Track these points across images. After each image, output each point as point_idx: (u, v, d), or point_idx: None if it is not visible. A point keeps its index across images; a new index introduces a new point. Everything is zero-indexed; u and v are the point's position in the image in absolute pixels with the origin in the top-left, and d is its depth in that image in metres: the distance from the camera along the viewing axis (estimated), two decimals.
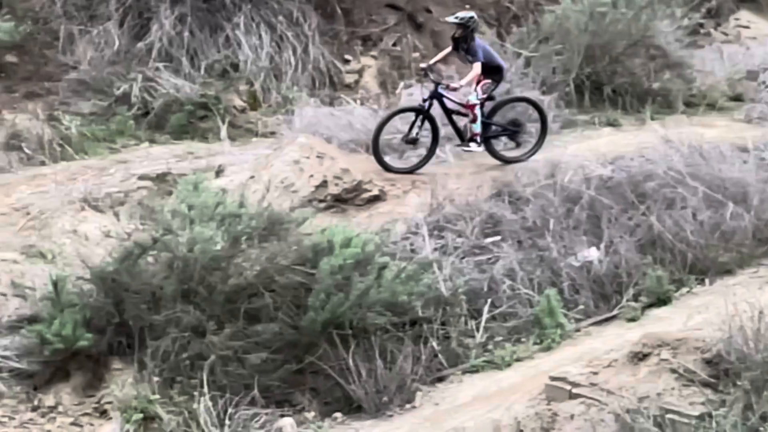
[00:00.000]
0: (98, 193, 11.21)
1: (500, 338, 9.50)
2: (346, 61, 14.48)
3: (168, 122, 13.28)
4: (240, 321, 8.88)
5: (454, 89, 11.27)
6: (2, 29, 13.66)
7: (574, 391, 7.97)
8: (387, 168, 11.27)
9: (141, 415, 8.27)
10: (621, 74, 13.97)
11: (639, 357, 7.99)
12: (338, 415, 8.74)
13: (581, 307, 9.92)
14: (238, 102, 13.69)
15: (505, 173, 11.27)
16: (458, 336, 9.41)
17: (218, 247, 9.10)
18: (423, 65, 11.62)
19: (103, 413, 8.48)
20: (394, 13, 14.96)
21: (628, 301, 9.95)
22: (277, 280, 9.11)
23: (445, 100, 11.33)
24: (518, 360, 9.27)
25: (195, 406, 8.28)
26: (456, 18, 11.38)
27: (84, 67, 13.76)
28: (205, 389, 8.39)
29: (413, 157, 11.58)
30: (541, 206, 10.52)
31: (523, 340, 9.50)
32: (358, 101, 13.53)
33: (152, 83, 13.51)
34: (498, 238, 10.29)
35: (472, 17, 11.40)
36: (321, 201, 10.74)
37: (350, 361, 8.78)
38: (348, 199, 10.88)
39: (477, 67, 11.19)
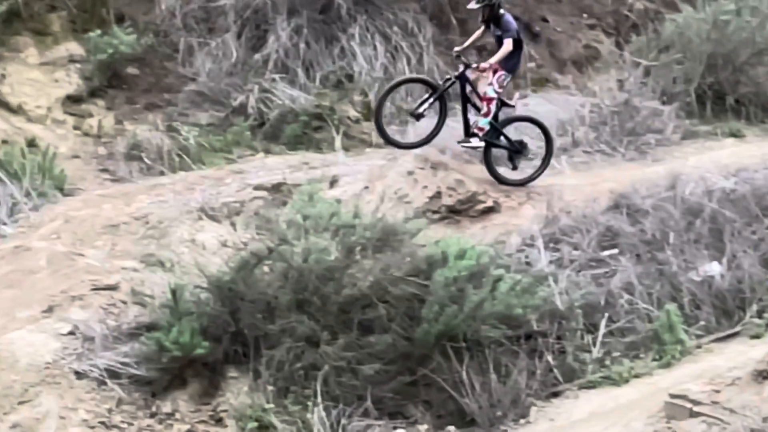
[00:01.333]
0: (215, 203, 11.35)
1: (618, 354, 9.29)
2: None
3: (283, 133, 13.40)
4: (353, 332, 8.88)
5: (483, 69, 10.74)
6: (125, 42, 14.00)
7: (695, 409, 7.74)
8: (390, 142, 11.08)
9: (256, 424, 8.33)
10: (745, 84, 13.58)
11: (764, 375, 7.73)
12: (451, 428, 8.66)
13: (702, 323, 9.64)
14: (353, 112, 13.73)
15: (622, 185, 11.04)
16: (574, 351, 9.24)
17: (332, 258, 9.14)
18: (456, 49, 11.13)
19: (219, 421, 8.57)
20: None
21: (751, 317, 9.63)
22: (391, 291, 9.09)
23: (466, 86, 10.85)
24: (636, 376, 9.05)
25: (309, 416, 8.31)
26: (478, 2, 10.74)
27: (202, 78, 14.00)
28: (319, 399, 8.42)
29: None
30: (661, 219, 10.27)
31: (641, 356, 9.27)
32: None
33: (268, 94, 13.66)
34: (615, 251, 10.08)
35: None
36: (435, 212, 10.68)
37: (464, 374, 8.70)
38: (462, 210, 10.80)
39: (508, 44, 10.66)
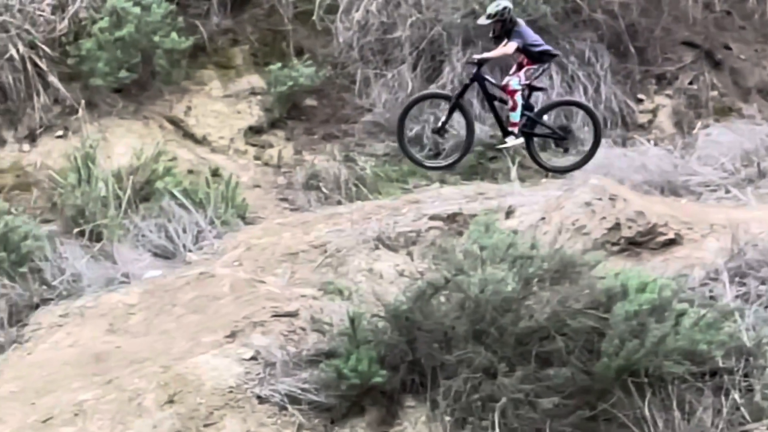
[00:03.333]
0: (391, 233, 11.46)
1: None
2: (639, 101, 14.19)
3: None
4: (531, 364, 8.78)
5: (481, 62, 10.27)
6: (304, 74, 14.36)
7: None
8: (415, 161, 10.70)
9: None
10: None
11: None
12: None
13: None
14: None
15: None
16: (762, 389, 8.88)
17: (510, 289, 9.07)
18: (476, 56, 10.64)
19: None
20: (690, 51, 14.54)
21: None
22: (569, 324, 8.96)
23: (486, 84, 10.41)
24: None
25: None
26: (489, 17, 10.18)
27: (378, 109, 14.23)
28: (497, 431, 8.34)
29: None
30: None
31: None
32: (652, 142, 13.20)
33: None
34: None
35: (505, 7, 10.16)
36: (614, 244, 10.51)
37: (646, 410, 8.49)
38: (642, 242, 10.58)
39: (509, 47, 10.12)
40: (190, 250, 12.06)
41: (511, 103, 10.36)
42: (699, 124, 12.54)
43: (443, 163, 10.61)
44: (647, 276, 9.13)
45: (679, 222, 10.77)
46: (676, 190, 11.08)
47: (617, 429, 8.62)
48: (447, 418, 8.57)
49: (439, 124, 10.48)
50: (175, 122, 14.48)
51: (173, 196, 12.63)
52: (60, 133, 14.07)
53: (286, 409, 8.88)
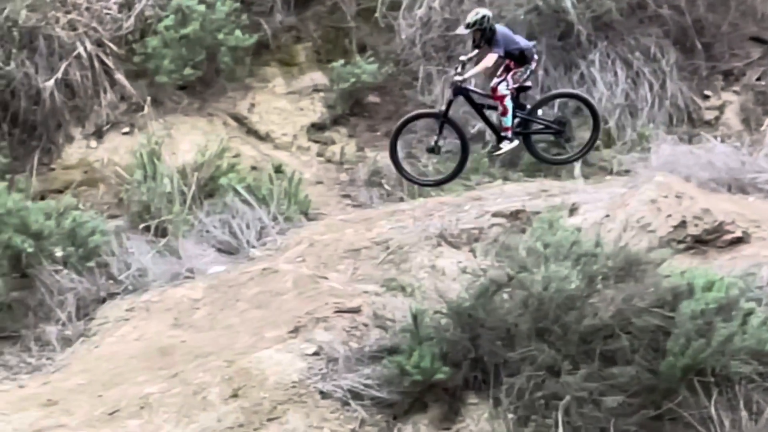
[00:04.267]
0: (454, 229, 11.44)
1: None
2: (706, 97, 13.99)
3: (521, 160, 13.38)
4: (595, 362, 8.73)
5: (460, 83, 9.87)
6: (366, 71, 14.38)
7: None
8: (409, 178, 10.49)
9: None
10: None
11: None
12: None
13: None
14: None
15: None
16: None
17: (573, 287, 9.03)
18: (462, 57, 10.17)
19: None
20: (758, 47, 14.30)
21: None
22: (634, 322, 8.89)
23: (471, 94, 10.07)
24: None
25: None
26: (468, 26, 9.86)
27: (441, 106, 14.16)
28: (561, 430, 8.30)
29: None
30: None
31: None
32: (719, 138, 13.01)
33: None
34: None
35: (484, 16, 9.83)
36: (679, 242, 10.38)
37: (712, 410, 8.40)
38: (708, 240, 10.44)
39: (489, 59, 9.74)
40: (253, 246, 12.14)
41: (501, 108, 10.12)
42: (767, 120, 12.33)
43: (438, 178, 10.52)
44: (714, 274, 9.03)
45: (746, 220, 10.62)
46: (744, 187, 10.91)
47: (683, 428, 8.54)
48: (510, 416, 8.54)
49: (432, 143, 10.27)
50: (239, 119, 14.58)
51: (237, 192, 12.71)
52: (126, 129, 14.23)
53: (348, 404, 8.91)
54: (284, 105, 14.66)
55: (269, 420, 8.76)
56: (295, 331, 9.89)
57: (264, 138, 14.32)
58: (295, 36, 15.14)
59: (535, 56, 10.04)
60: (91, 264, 11.74)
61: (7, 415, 9.37)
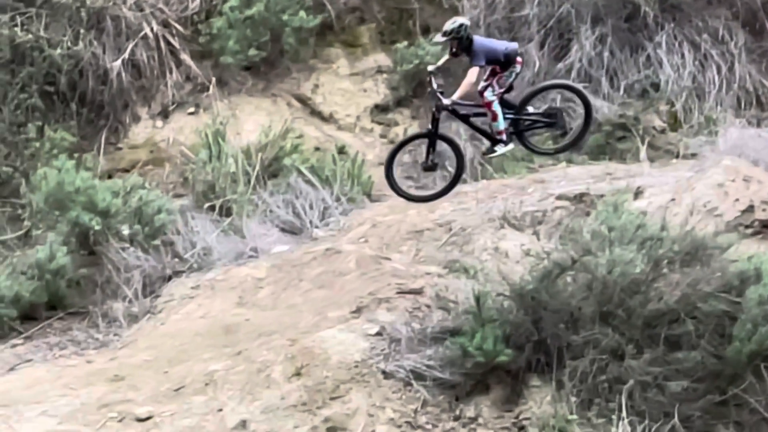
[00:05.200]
0: (517, 212, 11.40)
1: None
2: None
3: (585, 143, 13.28)
4: (660, 347, 8.66)
5: (446, 108, 9.86)
6: (430, 53, 14.33)
7: None
8: (405, 196, 10.32)
9: None
10: None
11: None
12: None
13: None
14: (658, 122, 13.43)
15: None
16: None
17: (638, 270, 8.95)
18: (430, 68, 10.22)
19: (521, 429, 8.59)
20: None
21: None
22: (699, 307, 8.80)
23: (456, 107, 9.93)
24: None
25: (613, 429, 8.18)
26: (445, 35, 9.85)
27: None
28: (624, 413, 8.26)
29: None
30: None
31: None
32: None
33: (571, 104, 13.57)
34: None
35: (461, 25, 9.81)
36: (747, 227, 10.25)
37: None
38: None
39: (471, 74, 9.68)
40: (316, 226, 12.21)
41: (490, 114, 10.08)
42: None
43: (429, 193, 10.47)
44: None
45: None
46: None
47: (748, 414, 8.45)
48: (573, 399, 8.51)
49: (427, 161, 10.17)
50: (303, 100, 14.64)
51: (300, 172, 12.79)
52: (191, 109, 14.37)
53: (410, 385, 8.94)
54: (348, 86, 14.69)
55: (332, 399, 8.82)
56: (358, 311, 9.94)
57: (327, 119, 14.38)
58: (359, 17, 15.15)
59: (519, 57, 10.00)
60: (157, 242, 11.90)
61: (75, 390, 9.53)
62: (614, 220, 9.42)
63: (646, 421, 8.28)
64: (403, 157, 11.57)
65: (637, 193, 11.28)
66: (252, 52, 14.39)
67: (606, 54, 13.79)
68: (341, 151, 13.57)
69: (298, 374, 9.07)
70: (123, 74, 14.05)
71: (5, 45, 13.77)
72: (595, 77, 13.73)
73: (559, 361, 8.84)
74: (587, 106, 10.18)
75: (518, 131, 10.16)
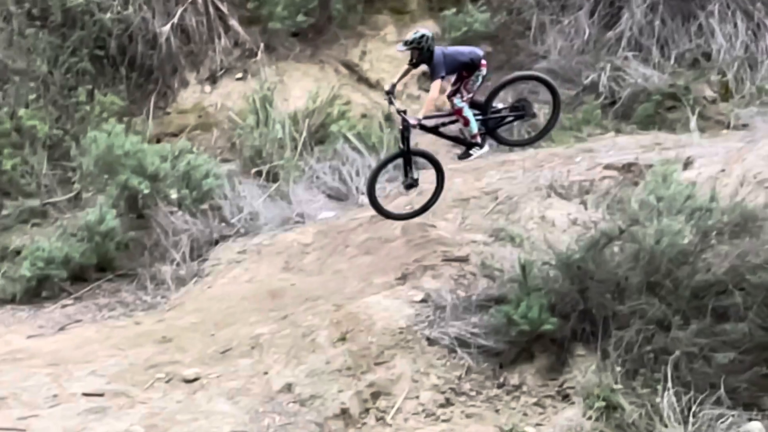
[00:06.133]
0: (564, 181, 11.34)
1: None
2: None
3: (635, 112, 13.19)
4: (707, 318, 8.60)
5: (414, 127, 9.96)
6: (479, 20, 14.27)
7: None
8: (386, 215, 10.35)
9: (603, 404, 8.26)
10: None
11: None
12: None
13: None
14: (709, 93, 13.28)
15: None
16: None
17: (686, 241, 8.88)
18: (386, 88, 10.25)
19: (565, 397, 8.58)
20: None
21: None
22: (748, 279, 8.71)
23: (423, 122, 10.06)
24: None
25: (658, 399, 8.14)
26: (406, 44, 9.90)
27: (553, 56, 14.03)
28: (669, 384, 8.22)
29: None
30: None
31: None
32: None
33: (620, 73, 13.48)
34: None
35: (423, 35, 9.88)
36: None
37: None
38: None
39: (433, 89, 9.83)
40: (362, 193, 12.23)
41: (462, 120, 10.18)
42: None
43: (410, 211, 10.45)
44: None
45: None
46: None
47: None
48: (617, 369, 8.48)
49: (406, 178, 10.28)
50: (350, 66, 14.63)
51: (347, 139, 12.80)
52: (239, 75, 14.41)
53: (455, 352, 8.95)
54: (395, 53, 14.60)
55: (376, 364, 8.86)
56: (403, 278, 9.96)
57: (374, 86, 14.36)
58: None
59: (484, 60, 10.03)
60: (205, 206, 11.99)
61: (124, 350, 9.66)
62: (663, 190, 9.35)
63: (692, 392, 8.23)
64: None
65: (687, 164, 11.17)
66: (300, 18, 14.39)
67: (657, 23, 13.63)
68: (388, 118, 13.56)
69: (343, 339, 9.11)
70: (172, 39, 14.11)
71: (57, 9, 13.87)
72: (645, 46, 13.59)
73: (604, 331, 8.81)
74: (555, 95, 10.27)
75: (489, 130, 10.29)
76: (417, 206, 10.54)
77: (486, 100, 10.18)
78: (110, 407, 8.52)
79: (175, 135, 13.82)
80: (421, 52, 9.86)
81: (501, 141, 10.59)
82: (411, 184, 10.30)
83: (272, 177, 12.64)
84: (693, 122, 12.59)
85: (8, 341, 10.26)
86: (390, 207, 10.72)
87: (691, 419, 8.09)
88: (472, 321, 9.17)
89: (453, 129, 10.46)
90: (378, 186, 10.38)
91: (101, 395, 8.75)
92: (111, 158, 11.95)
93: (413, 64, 10.02)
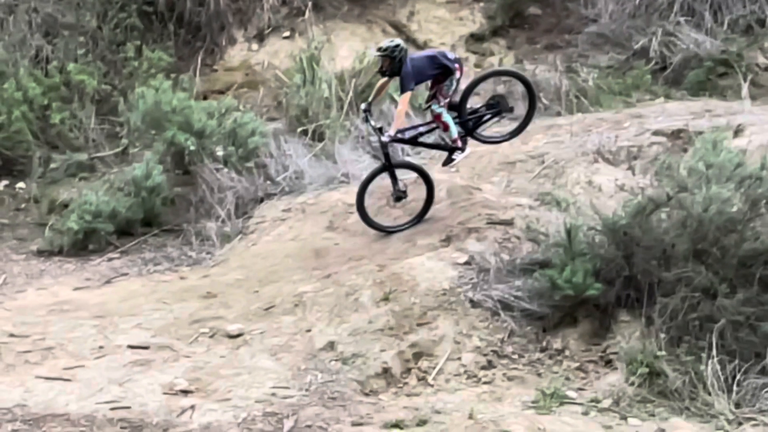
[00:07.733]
0: (612, 146, 11.25)
1: None
2: None
3: (685, 78, 13.03)
4: (754, 287, 8.51)
5: (389, 143, 10.03)
6: None
7: None
8: (377, 228, 10.35)
9: (646, 370, 8.22)
10: None
11: None
12: None
13: None
14: (762, 60, 13.09)
15: None
16: None
17: (735, 209, 8.78)
18: (363, 106, 10.29)
19: (608, 363, 8.55)
20: None
21: None
22: None
23: (399, 136, 10.12)
24: None
25: (702, 367, 8.09)
26: (379, 50, 9.96)
27: (604, 20, 13.87)
28: (714, 352, 8.16)
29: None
30: None
31: None
32: None
33: (672, 38, 13.31)
34: None
35: (397, 45, 9.92)
36: None
37: None
38: None
39: (403, 102, 9.88)
40: (408, 155, 12.20)
41: (441, 125, 10.23)
42: None
43: (403, 225, 10.42)
44: None
45: None
46: None
47: None
48: (662, 335, 8.43)
49: (394, 191, 10.39)
50: (398, 27, 14.55)
51: (393, 99, 12.75)
52: (287, 34, 14.39)
53: (498, 314, 8.94)
54: (444, 14, 14.55)
55: (419, 325, 8.87)
56: (447, 240, 9.94)
57: (422, 47, 14.28)
58: None
59: (457, 65, 10.10)
60: (250, 164, 12.02)
61: (168, 304, 9.75)
62: (712, 157, 9.23)
63: (737, 361, 8.17)
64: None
65: (737, 131, 11.04)
66: None
67: None
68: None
69: (386, 299, 9.13)
70: None
71: None
72: (698, 11, 13.40)
73: (649, 298, 8.75)
74: (530, 89, 10.39)
75: (468, 131, 10.37)
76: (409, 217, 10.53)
77: (460, 101, 10.29)
78: (154, 360, 8.61)
79: (221, 92, 13.85)
80: (392, 61, 9.99)
81: (481, 140, 10.65)
82: (399, 197, 10.47)
83: (318, 136, 12.64)
84: (745, 89, 12.43)
85: (55, 293, 10.39)
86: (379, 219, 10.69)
87: (735, 388, 8.04)
88: (515, 284, 9.15)
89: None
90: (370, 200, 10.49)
91: (146, 348, 8.84)
92: (158, 114, 12.00)
93: (383, 73, 10.15)
